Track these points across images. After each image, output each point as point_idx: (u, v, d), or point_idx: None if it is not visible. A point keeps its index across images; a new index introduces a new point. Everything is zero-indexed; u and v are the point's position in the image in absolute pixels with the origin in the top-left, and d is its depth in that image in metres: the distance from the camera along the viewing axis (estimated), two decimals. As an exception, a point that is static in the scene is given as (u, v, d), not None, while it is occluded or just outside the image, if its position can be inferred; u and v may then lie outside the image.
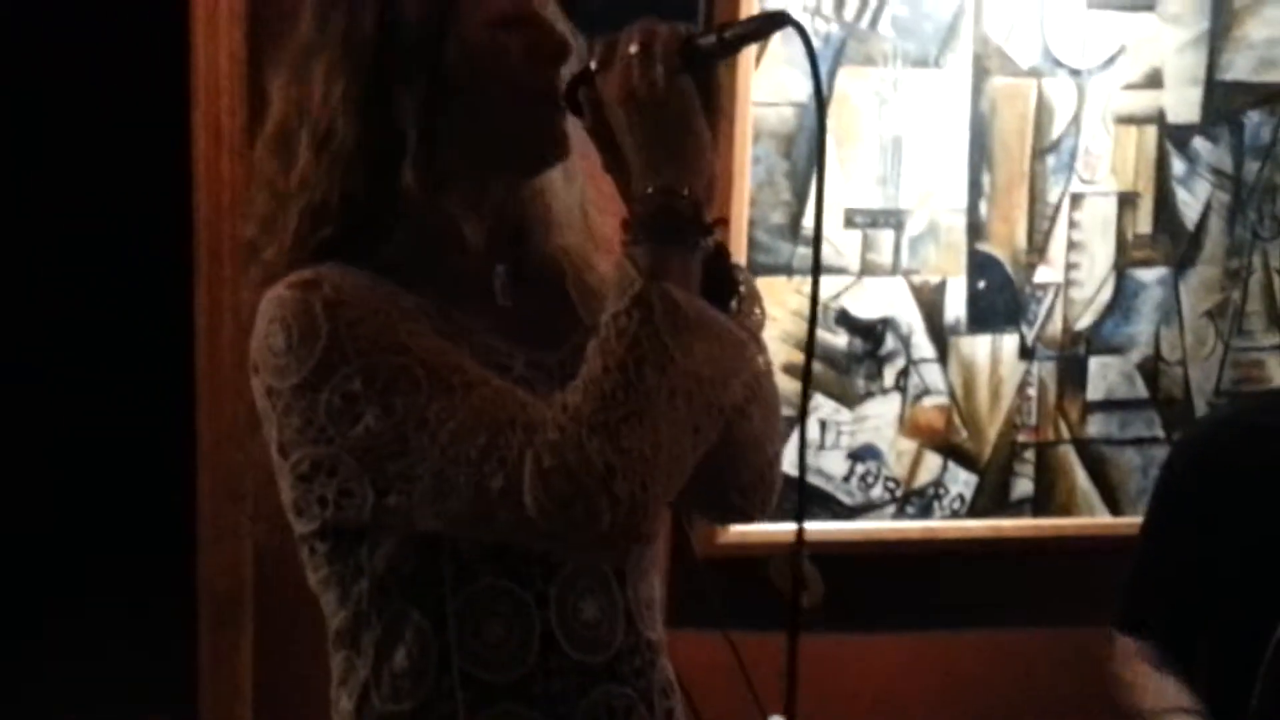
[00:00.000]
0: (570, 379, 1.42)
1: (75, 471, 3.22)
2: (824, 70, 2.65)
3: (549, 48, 1.50)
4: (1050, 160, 2.79)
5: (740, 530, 2.34)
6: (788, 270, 2.71)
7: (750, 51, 2.57)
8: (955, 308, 2.79)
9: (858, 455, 2.82)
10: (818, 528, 2.65)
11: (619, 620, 1.51)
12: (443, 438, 1.36)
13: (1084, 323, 2.87)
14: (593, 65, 1.43)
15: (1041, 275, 2.82)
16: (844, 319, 2.75)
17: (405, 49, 1.47)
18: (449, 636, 1.48)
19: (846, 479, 2.79)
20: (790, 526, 1.47)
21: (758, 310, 1.55)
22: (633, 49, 1.39)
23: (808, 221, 2.65)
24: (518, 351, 1.50)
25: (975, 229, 2.78)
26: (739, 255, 2.54)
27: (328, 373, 1.39)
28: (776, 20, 1.42)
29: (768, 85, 2.65)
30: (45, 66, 2.71)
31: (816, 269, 1.45)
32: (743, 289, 1.51)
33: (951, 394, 2.82)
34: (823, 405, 2.75)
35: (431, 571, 1.48)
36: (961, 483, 2.87)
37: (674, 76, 1.38)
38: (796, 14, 2.40)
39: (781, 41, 2.57)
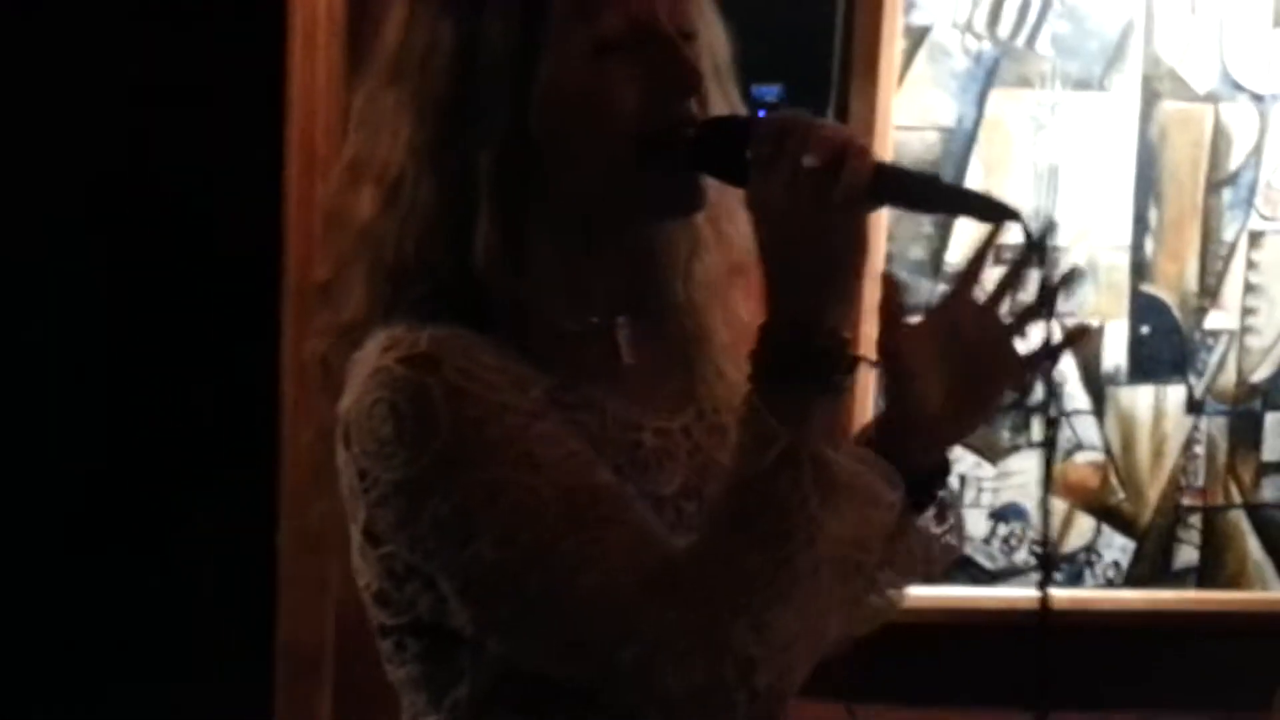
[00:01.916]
0: (696, 447, 1.41)
1: (156, 522, 3.31)
2: (974, 92, 2.66)
3: (674, 78, 1.36)
4: (1226, 194, 2.73)
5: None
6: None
7: (892, 70, 2.59)
8: (1115, 355, 2.73)
9: (1000, 515, 2.75)
10: (954, 593, 2.65)
11: None
12: (568, 592, 1.28)
13: (1261, 374, 2.78)
14: (749, 154, 1.30)
15: (1213, 321, 2.75)
16: (990, 364, 2.63)
17: (483, 82, 1.34)
18: None
19: (988, 540, 2.74)
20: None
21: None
22: (810, 160, 1.27)
23: (950, 256, 2.60)
24: (645, 420, 1.43)
25: (1139, 268, 2.73)
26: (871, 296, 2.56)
27: (441, 477, 1.29)
28: (999, 210, 1.34)
29: (910, 108, 2.64)
30: (139, 83, 2.75)
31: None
32: None
33: (1108, 450, 2.76)
34: (963, 459, 2.66)
35: (548, 689, 1.36)
36: (1117, 549, 2.79)
37: (852, 212, 1.28)
38: (945, 29, 2.60)
39: (927, 60, 2.61)
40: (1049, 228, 1.46)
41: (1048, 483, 1.48)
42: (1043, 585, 1.57)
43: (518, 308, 1.37)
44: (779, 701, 1.30)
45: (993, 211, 1.34)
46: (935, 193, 1.40)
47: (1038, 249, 1.39)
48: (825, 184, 1.26)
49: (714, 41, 1.41)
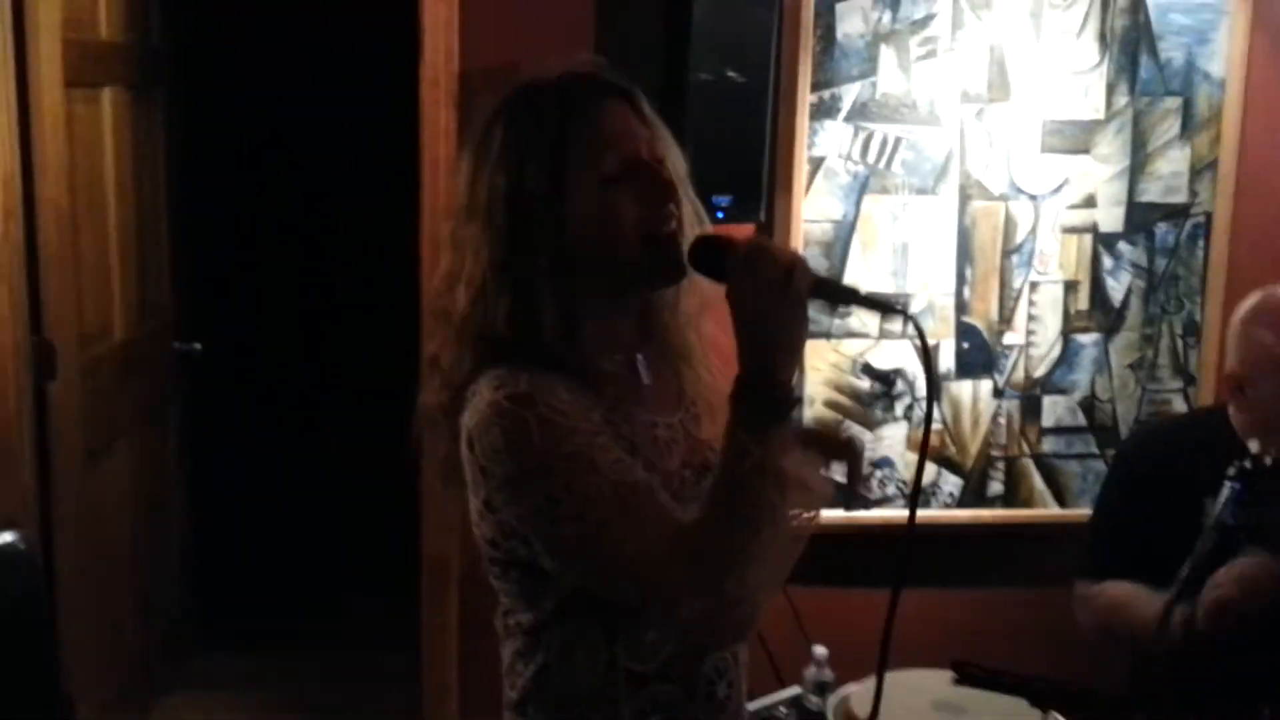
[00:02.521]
0: (687, 434, 1.57)
1: (329, 465, 4.12)
2: (854, 197, 3.15)
3: (658, 193, 1.52)
4: (1015, 259, 3.27)
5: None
6: (828, 335, 3.25)
7: (802, 184, 3.11)
8: (946, 361, 3.30)
9: (877, 464, 3.29)
10: (850, 514, 2.73)
11: None
12: (619, 553, 1.42)
13: (1040, 372, 3.32)
14: (729, 264, 1.45)
15: (1009, 339, 3.30)
16: (867, 369, 3.27)
17: (533, 219, 1.49)
18: (618, 644, 1.56)
19: (868, 481, 3.30)
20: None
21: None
22: (773, 274, 1.41)
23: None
24: (659, 419, 1.59)
25: (961, 306, 3.26)
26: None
27: (536, 477, 1.44)
28: (892, 307, 1.66)
29: (813, 208, 3.18)
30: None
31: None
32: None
33: (944, 422, 3.31)
34: (851, 429, 3.21)
35: (603, 601, 1.52)
36: (951, 484, 3.32)
37: (803, 308, 1.43)
38: (835, 158, 3.13)
39: (823, 178, 3.15)
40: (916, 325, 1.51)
41: (925, 444, 1.61)
42: (910, 509, 1.65)
43: (574, 360, 1.51)
44: (750, 624, 1.46)
45: (888, 308, 1.66)
46: (852, 295, 1.60)
47: (919, 328, 1.52)
48: (780, 288, 1.40)
49: (676, 162, 1.58)
